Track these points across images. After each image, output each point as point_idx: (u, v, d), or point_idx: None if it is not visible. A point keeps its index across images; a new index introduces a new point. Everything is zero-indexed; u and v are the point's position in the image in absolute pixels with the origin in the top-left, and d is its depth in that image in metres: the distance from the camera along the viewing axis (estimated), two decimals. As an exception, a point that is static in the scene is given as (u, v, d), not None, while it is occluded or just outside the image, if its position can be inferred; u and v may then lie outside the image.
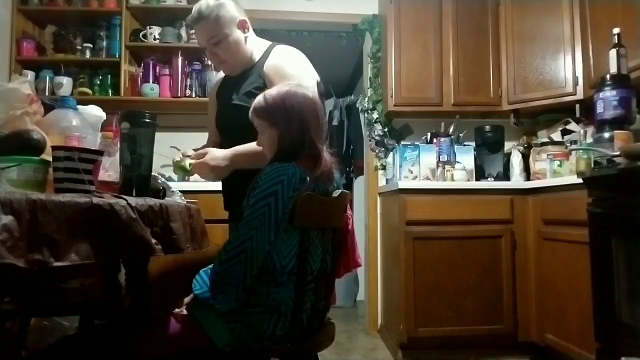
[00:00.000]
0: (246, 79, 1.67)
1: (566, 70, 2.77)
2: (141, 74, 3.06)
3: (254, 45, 1.72)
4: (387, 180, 3.23)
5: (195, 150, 1.65)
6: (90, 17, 3.09)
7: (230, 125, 1.69)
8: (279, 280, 1.25)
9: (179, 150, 2.85)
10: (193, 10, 1.63)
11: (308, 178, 1.24)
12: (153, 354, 1.20)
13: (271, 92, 1.35)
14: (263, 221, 1.18)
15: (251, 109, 1.35)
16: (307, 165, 1.26)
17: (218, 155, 1.57)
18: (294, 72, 1.58)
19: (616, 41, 2.24)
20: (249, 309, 1.22)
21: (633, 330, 1.69)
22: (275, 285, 1.24)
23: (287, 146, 1.31)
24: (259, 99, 1.34)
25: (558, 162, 2.57)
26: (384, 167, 3.32)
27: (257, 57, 1.70)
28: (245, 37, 1.68)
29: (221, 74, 1.86)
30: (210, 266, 1.26)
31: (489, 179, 2.96)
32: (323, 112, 1.39)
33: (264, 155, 1.39)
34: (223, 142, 1.71)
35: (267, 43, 1.75)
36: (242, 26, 1.67)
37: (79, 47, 3.07)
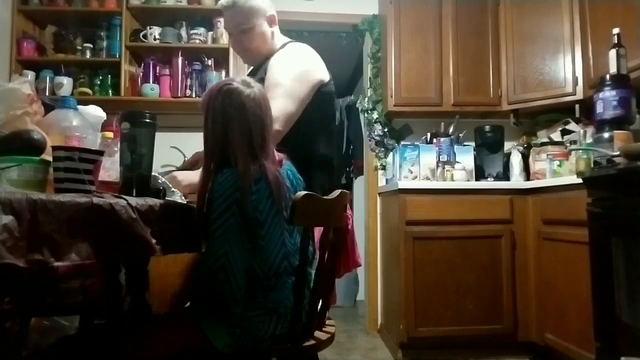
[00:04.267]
0: (259, 70, 1.72)
1: (566, 70, 2.77)
2: (141, 74, 3.07)
3: (278, 41, 1.77)
4: (387, 180, 3.23)
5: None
6: (90, 17, 3.09)
7: None
8: (268, 285, 1.24)
9: (179, 150, 2.84)
10: None
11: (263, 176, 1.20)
12: (152, 354, 1.19)
13: (208, 88, 1.31)
14: (234, 233, 1.15)
15: None
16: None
17: (180, 181, 1.51)
18: (278, 78, 1.58)
19: (616, 41, 2.24)
20: (248, 313, 1.22)
21: (633, 330, 1.69)
22: (270, 290, 1.24)
23: (210, 145, 1.25)
24: None
25: (558, 162, 2.57)
26: (384, 167, 3.32)
27: (274, 51, 1.74)
28: (272, 32, 1.74)
29: None
30: None
31: (488, 179, 2.96)
32: (258, 115, 1.25)
33: None
34: None
35: (286, 39, 1.79)
36: (270, 20, 1.73)
37: (79, 47, 3.07)
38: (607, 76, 2.22)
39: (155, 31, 3.06)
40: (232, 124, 1.22)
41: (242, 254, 1.17)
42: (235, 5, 1.66)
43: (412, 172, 2.88)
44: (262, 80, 1.57)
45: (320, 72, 1.69)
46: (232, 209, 1.15)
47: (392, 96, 3.06)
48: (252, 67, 1.83)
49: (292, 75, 1.59)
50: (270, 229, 1.23)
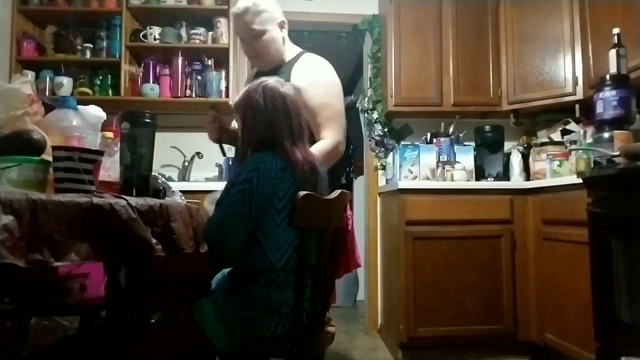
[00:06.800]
0: (276, 74, 1.75)
1: (566, 70, 2.77)
2: (141, 74, 3.06)
3: (288, 47, 1.85)
4: (387, 180, 3.23)
5: None
6: (90, 17, 3.09)
7: None
8: (276, 281, 1.24)
9: (179, 150, 2.85)
10: (239, 3, 1.75)
11: (291, 167, 1.26)
12: (153, 354, 1.20)
13: (245, 89, 1.39)
14: (237, 207, 1.22)
15: None
16: (286, 157, 1.28)
17: None
18: (326, 98, 1.72)
19: (616, 41, 2.24)
20: (248, 312, 1.22)
21: (633, 330, 1.69)
22: (275, 287, 1.24)
23: (254, 141, 1.33)
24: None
25: (558, 162, 2.57)
26: (384, 167, 3.32)
27: (287, 58, 1.83)
28: (283, 38, 1.82)
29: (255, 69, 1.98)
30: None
31: (488, 179, 2.96)
32: (297, 108, 1.37)
33: None
34: None
35: (299, 49, 1.88)
36: (281, 26, 1.81)
37: (79, 47, 3.07)
38: (607, 76, 2.22)
39: (155, 31, 3.05)
40: (276, 115, 1.32)
41: (240, 231, 1.23)
42: (247, 11, 1.73)
43: (412, 172, 2.88)
44: None
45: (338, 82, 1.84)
46: (244, 186, 1.22)
47: (392, 96, 3.06)
48: (263, 71, 1.85)
49: (334, 94, 1.75)
50: (287, 220, 1.24)
